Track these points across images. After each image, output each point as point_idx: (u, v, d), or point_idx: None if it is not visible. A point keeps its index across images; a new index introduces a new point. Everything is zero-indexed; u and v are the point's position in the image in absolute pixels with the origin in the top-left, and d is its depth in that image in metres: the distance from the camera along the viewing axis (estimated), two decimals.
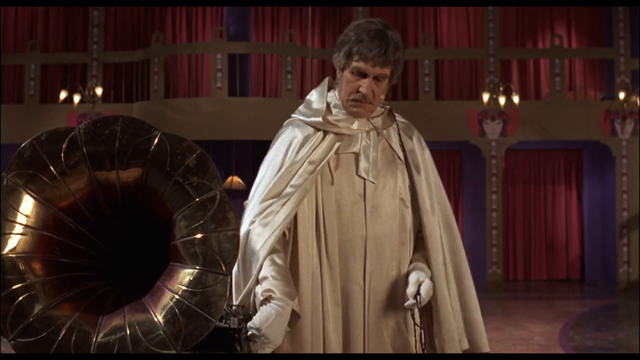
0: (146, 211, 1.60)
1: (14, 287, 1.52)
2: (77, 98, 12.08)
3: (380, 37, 2.29)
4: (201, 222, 1.48)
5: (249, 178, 13.50)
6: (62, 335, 1.50)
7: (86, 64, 12.81)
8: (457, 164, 13.53)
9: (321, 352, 2.28)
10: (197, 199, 1.49)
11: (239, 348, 1.83)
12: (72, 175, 1.56)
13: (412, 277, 2.30)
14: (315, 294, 2.27)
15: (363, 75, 2.30)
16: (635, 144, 12.19)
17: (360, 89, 2.31)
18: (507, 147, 12.34)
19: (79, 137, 1.54)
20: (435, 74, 12.59)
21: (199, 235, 1.48)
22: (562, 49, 12.48)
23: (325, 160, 2.33)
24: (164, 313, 1.49)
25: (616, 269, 12.23)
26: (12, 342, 1.52)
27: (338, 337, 2.32)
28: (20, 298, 1.51)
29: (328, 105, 2.42)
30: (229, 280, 1.49)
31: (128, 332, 1.49)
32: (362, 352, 2.33)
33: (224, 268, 1.47)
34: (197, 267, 1.48)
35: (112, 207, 1.60)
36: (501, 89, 12.02)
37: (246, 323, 1.95)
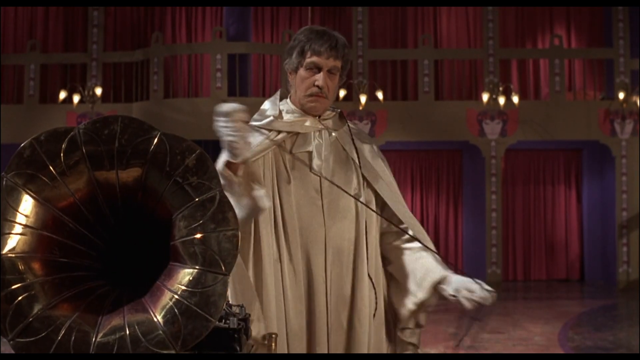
0: (146, 211, 1.59)
1: (13, 287, 1.52)
2: (76, 98, 12.08)
3: (328, 34, 2.45)
4: (200, 222, 1.48)
5: None
6: (61, 335, 1.50)
7: (86, 64, 12.82)
8: (456, 164, 13.54)
9: (285, 348, 2.36)
10: (197, 199, 1.49)
11: (238, 348, 1.83)
12: (72, 175, 1.56)
13: (452, 291, 2.36)
14: (277, 286, 2.37)
15: (318, 68, 2.42)
16: (635, 144, 12.20)
17: (317, 83, 2.42)
18: (506, 147, 12.35)
19: (79, 137, 1.54)
20: (434, 74, 12.59)
21: (198, 235, 1.48)
22: (561, 49, 12.48)
23: (267, 148, 2.44)
24: (163, 313, 1.49)
25: (616, 269, 12.23)
26: (11, 342, 1.52)
27: (302, 331, 2.39)
28: (20, 298, 1.51)
29: (280, 112, 2.52)
30: (229, 280, 1.49)
31: (127, 332, 1.49)
32: (326, 344, 2.39)
33: (223, 268, 1.47)
34: (197, 267, 1.48)
35: (111, 207, 1.60)
36: (501, 89, 12.03)
37: (246, 323, 1.95)
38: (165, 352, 1.47)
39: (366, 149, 2.59)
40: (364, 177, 2.52)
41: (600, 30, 13.53)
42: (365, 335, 2.45)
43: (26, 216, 1.55)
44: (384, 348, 2.52)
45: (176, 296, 1.48)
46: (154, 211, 1.58)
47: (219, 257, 1.46)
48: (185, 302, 1.47)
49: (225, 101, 11.81)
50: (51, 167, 1.55)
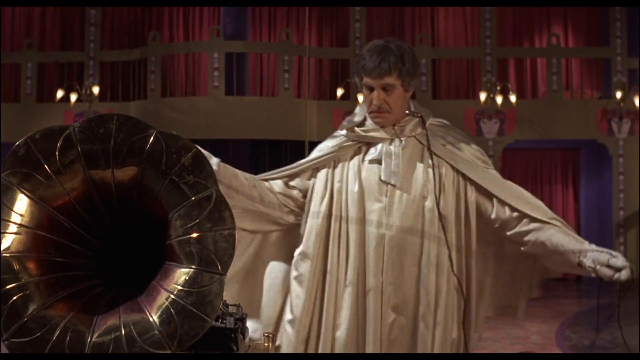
0: (142, 210, 1.58)
1: (8, 286, 1.51)
2: (73, 97, 12.06)
3: (378, 51, 2.51)
4: (197, 221, 1.47)
5: None
6: (56, 335, 1.49)
7: (83, 62, 12.80)
8: None
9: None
10: (193, 198, 1.48)
11: (235, 348, 1.82)
12: (67, 174, 1.55)
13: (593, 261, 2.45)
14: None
15: (371, 89, 2.53)
16: (632, 143, 12.20)
17: (373, 102, 2.54)
18: (504, 147, 12.34)
19: (74, 136, 1.53)
20: (432, 73, 12.58)
21: (194, 235, 1.47)
22: (559, 48, 12.48)
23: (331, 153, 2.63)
24: (159, 313, 1.47)
25: None
26: (6, 342, 1.51)
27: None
28: (15, 298, 1.50)
29: (365, 119, 2.65)
30: (225, 279, 1.48)
31: (123, 332, 1.48)
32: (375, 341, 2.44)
33: (219, 267, 1.46)
34: (193, 267, 1.47)
35: (107, 206, 1.59)
36: (498, 88, 12.02)
37: (242, 323, 1.94)
38: (161, 352, 1.46)
39: (462, 146, 2.64)
40: (459, 173, 2.55)
41: (597, 29, 13.53)
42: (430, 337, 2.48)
43: (21, 215, 1.54)
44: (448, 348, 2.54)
45: (172, 296, 1.47)
46: (150, 210, 1.57)
47: (215, 257, 1.46)
48: (182, 301, 1.46)
49: (222, 100, 11.84)
50: (46, 166, 1.53)
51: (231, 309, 2.01)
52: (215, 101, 11.85)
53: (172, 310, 1.46)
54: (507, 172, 13.47)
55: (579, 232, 10.03)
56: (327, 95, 12.65)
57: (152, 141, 1.51)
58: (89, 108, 12.18)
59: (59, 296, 1.53)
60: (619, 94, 12.02)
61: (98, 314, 1.51)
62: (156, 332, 1.47)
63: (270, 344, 2.18)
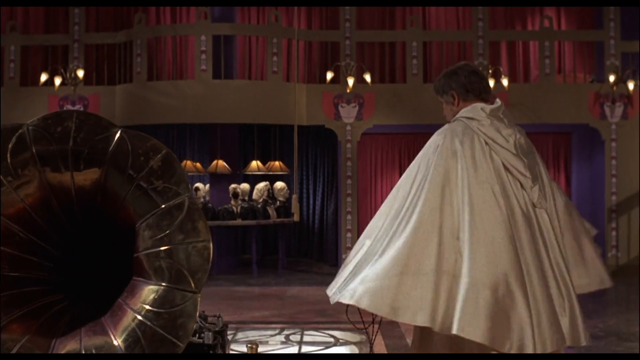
0: (107, 217, 1.41)
1: None
2: (58, 81, 11.81)
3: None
4: (167, 232, 1.31)
5: (234, 162, 13.32)
6: None
7: (67, 45, 12.53)
8: None
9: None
10: (163, 206, 1.31)
11: None
12: (21, 178, 1.38)
13: None
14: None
15: None
16: (625, 127, 12.08)
17: None
18: None
19: (28, 136, 1.36)
20: (423, 56, 12.39)
21: (164, 247, 1.30)
22: (551, 31, 12.31)
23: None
24: (124, 336, 1.31)
25: (605, 253, 12.15)
26: None
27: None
28: None
29: None
30: (199, 298, 1.31)
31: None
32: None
33: (192, 285, 1.30)
34: (163, 284, 1.30)
35: (67, 213, 1.42)
36: (490, 71, 11.85)
37: (222, 336, 1.78)
38: None
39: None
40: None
41: (590, 11, 13.36)
42: None
43: None
44: None
45: (139, 317, 1.31)
46: (116, 217, 1.40)
47: (188, 273, 1.29)
48: (150, 324, 1.30)
49: (209, 84, 11.60)
50: None
51: (211, 320, 1.85)
52: (202, 85, 11.64)
53: (139, 333, 1.30)
54: None
55: None
56: (316, 79, 12.46)
57: (116, 141, 1.34)
58: (73, 92, 11.94)
59: (13, 316, 1.37)
60: (612, 78, 11.88)
61: (57, 337, 1.35)
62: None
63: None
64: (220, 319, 1.82)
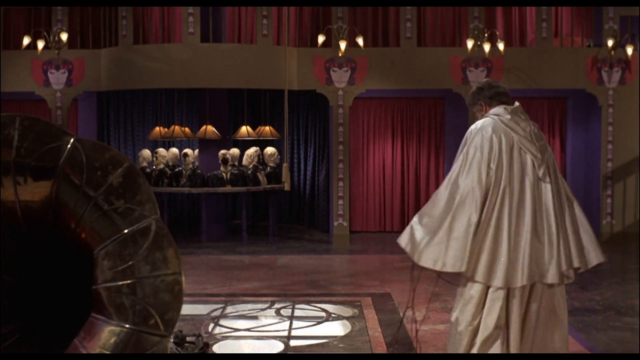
0: (61, 241, 1.19)
1: None
2: (41, 44, 11.44)
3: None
4: (130, 263, 1.09)
5: (224, 127, 13.04)
6: None
7: (51, 7, 12.13)
8: (438, 113, 13.14)
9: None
10: (125, 231, 1.09)
11: None
12: None
13: None
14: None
15: None
16: (622, 93, 11.85)
17: None
18: None
19: None
20: (417, 20, 12.06)
21: (127, 282, 1.08)
22: None
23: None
24: None
25: (599, 220, 12.02)
26: None
27: None
28: None
29: None
30: (170, 344, 1.09)
31: None
32: None
33: (161, 327, 1.08)
34: (126, 326, 1.08)
35: (14, 235, 1.19)
36: (486, 35, 11.56)
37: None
38: None
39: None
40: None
41: None
42: None
43: None
44: None
45: None
46: (73, 242, 1.18)
47: (156, 312, 1.07)
48: None
49: (197, 47, 11.25)
50: None
51: (190, 339, 1.64)
52: (190, 49, 11.31)
53: None
54: None
55: None
56: (308, 42, 12.13)
57: (68, 152, 1.11)
58: (57, 56, 11.59)
59: None
60: (610, 42, 11.60)
61: None
62: None
63: None
64: (200, 338, 1.60)
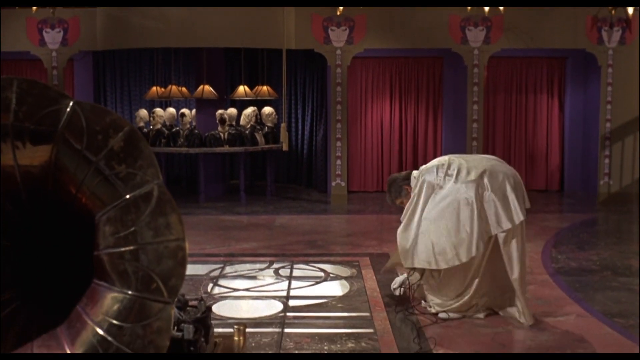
0: (62, 206, 1.17)
1: None
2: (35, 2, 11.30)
3: None
4: (132, 229, 1.06)
5: (221, 87, 12.94)
6: None
7: None
8: (437, 73, 13.06)
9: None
10: (127, 196, 1.06)
11: None
12: None
13: None
14: None
15: None
16: (622, 53, 11.76)
17: None
18: (490, 55, 11.85)
19: None
20: None
21: (130, 248, 1.06)
22: None
23: None
24: (83, 353, 1.08)
25: (597, 180, 12.02)
26: None
27: None
28: None
29: None
30: (173, 310, 1.07)
31: None
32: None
33: (165, 293, 1.05)
34: (129, 292, 1.06)
35: (13, 201, 1.17)
36: None
37: (205, 324, 1.56)
38: None
39: None
40: None
41: None
42: None
43: None
44: None
45: (101, 332, 1.07)
46: (75, 204, 1.15)
47: (159, 279, 1.05)
48: (113, 341, 1.06)
49: (195, 6, 10.91)
50: None
51: (192, 304, 1.63)
52: (187, 7, 11.16)
53: (100, 351, 1.06)
54: (492, 82, 13.05)
55: (562, 144, 10.05)
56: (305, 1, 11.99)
57: (67, 116, 1.08)
58: (52, 15, 11.45)
59: None
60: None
61: (5, 350, 1.11)
62: None
63: (241, 337, 1.82)
64: (202, 302, 1.59)
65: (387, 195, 5.92)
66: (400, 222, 5.63)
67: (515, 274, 5.32)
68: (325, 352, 4.76)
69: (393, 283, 6.00)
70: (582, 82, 12.77)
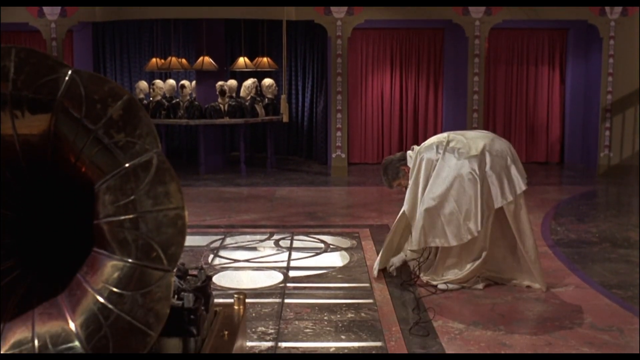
0: (61, 175, 1.17)
1: None
2: None
3: None
4: (132, 197, 1.06)
5: (221, 58, 12.88)
6: None
7: None
8: (437, 44, 13.00)
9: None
10: (127, 165, 1.06)
11: (195, 331, 1.45)
12: None
13: None
14: None
15: None
16: (624, 24, 11.69)
17: None
18: (491, 27, 11.79)
19: None
20: None
21: (129, 216, 1.06)
22: None
23: None
24: (84, 321, 1.09)
25: (597, 153, 12.01)
26: None
27: None
28: None
29: None
30: (173, 278, 1.08)
31: (37, 344, 1.09)
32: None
33: (165, 261, 1.06)
34: (129, 260, 1.07)
35: (13, 170, 1.17)
36: None
37: (204, 293, 1.57)
38: None
39: None
40: None
41: None
42: None
43: None
44: None
45: (101, 299, 1.08)
46: (74, 173, 1.16)
47: (159, 247, 1.05)
48: (114, 308, 1.06)
49: None
50: None
51: (192, 272, 1.64)
52: None
53: (101, 319, 1.07)
54: (493, 53, 12.98)
55: (563, 116, 10.05)
56: None
57: (66, 84, 1.07)
58: None
59: None
60: None
61: (5, 321, 1.12)
62: (80, 348, 1.08)
63: (241, 306, 1.83)
64: (202, 271, 1.60)
65: (384, 178, 5.89)
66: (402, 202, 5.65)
67: (529, 243, 5.42)
68: (325, 322, 4.79)
69: (389, 264, 5.94)
70: (583, 54, 12.72)
